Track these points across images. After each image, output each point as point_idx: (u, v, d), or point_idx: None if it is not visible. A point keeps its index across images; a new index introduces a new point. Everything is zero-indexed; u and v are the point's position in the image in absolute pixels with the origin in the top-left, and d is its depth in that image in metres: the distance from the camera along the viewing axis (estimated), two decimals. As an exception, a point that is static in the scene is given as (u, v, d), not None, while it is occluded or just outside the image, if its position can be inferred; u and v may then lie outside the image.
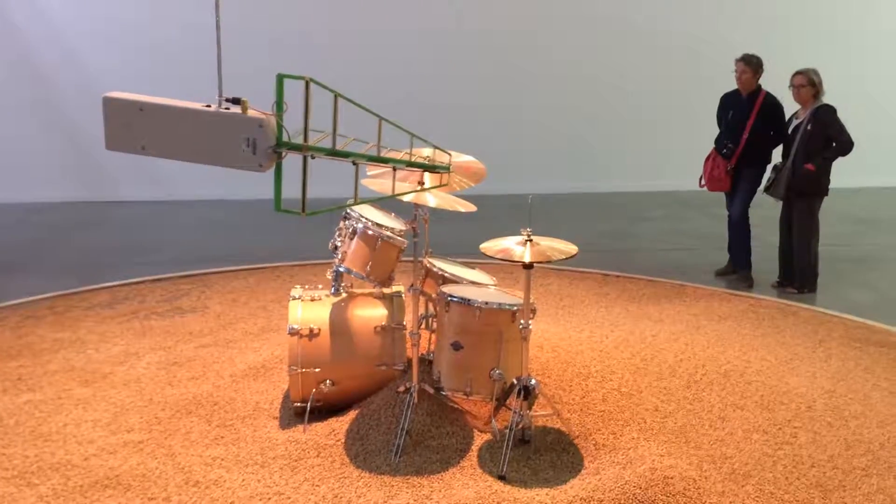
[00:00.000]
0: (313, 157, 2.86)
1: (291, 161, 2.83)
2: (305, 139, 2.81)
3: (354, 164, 2.98)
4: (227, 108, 2.70)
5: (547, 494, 3.24)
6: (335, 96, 2.79)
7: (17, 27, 9.45)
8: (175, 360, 4.70)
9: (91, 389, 4.30)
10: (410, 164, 3.27)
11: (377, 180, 3.83)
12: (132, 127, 2.75)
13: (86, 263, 6.92)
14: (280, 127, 2.76)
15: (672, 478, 3.30)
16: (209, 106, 2.72)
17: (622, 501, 3.15)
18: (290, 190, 2.87)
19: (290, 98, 2.76)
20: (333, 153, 2.89)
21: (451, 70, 10.09)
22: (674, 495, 3.21)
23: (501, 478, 3.36)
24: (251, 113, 2.68)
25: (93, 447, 3.65)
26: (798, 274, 6.20)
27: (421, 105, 9.95)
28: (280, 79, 2.68)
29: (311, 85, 2.68)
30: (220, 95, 2.74)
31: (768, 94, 6.21)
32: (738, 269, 6.50)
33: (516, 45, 10.23)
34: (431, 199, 3.53)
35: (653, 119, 10.34)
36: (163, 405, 4.09)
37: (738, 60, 6.23)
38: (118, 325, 5.33)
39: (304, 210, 2.87)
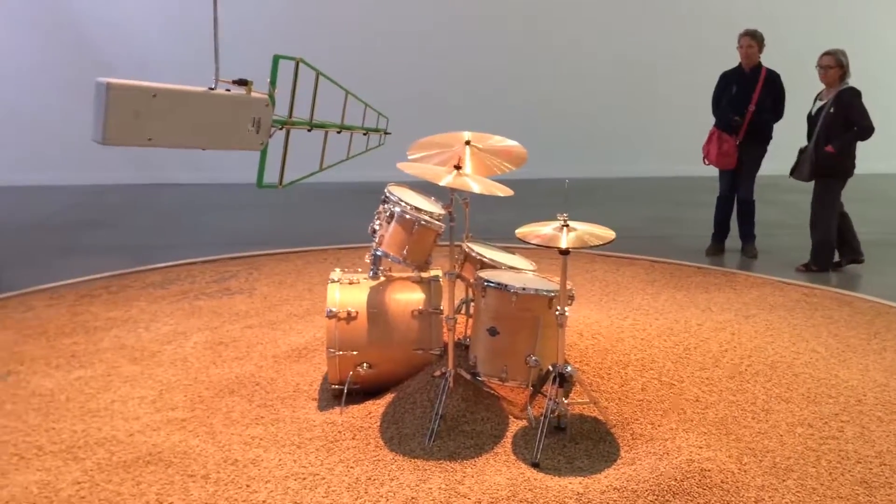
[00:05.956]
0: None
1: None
2: (290, 114, 2.84)
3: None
4: (228, 90, 2.66)
5: (580, 483, 3.20)
6: (317, 74, 2.87)
7: (75, 15, 9.71)
8: (221, 340, 4.80)
9: (139, 367, 4.42)
10: (345, 127, 3.59)
11: (416, 164, 3.82)
12: (140, 116, 2.40)
13: (140, 244, 7.12)
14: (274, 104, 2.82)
15: (709, 470, 3.23)
16: (212, 89, 2.63)
17: (657, 493, 3.10)
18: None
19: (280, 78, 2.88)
20: (311, 125, 3.02)
21: (492, 54, 10.04)
22: (710, 488, 3.14)
23: (535, 465, 3.34)
24: (255, 94, 2.68)
25: (138, 424, 3.76)
26: (812, 250, 6.21)
27: (460, 88, 9.95)
28: (276, 59, 2.70)
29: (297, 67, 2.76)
30: (217, 77, 2.66)
31: (769, 69, 6.42)
32: (746, 244, 6.78)
33: (559, 26, 10.12)
34: (474, 185, 3.49)
35: (701, 103, 10.12)
36: (207, 384, 4.18)
37: (743, 35, 6.43)
38: (169, 305, 5.47)
39: (281, 183, 2.96)
